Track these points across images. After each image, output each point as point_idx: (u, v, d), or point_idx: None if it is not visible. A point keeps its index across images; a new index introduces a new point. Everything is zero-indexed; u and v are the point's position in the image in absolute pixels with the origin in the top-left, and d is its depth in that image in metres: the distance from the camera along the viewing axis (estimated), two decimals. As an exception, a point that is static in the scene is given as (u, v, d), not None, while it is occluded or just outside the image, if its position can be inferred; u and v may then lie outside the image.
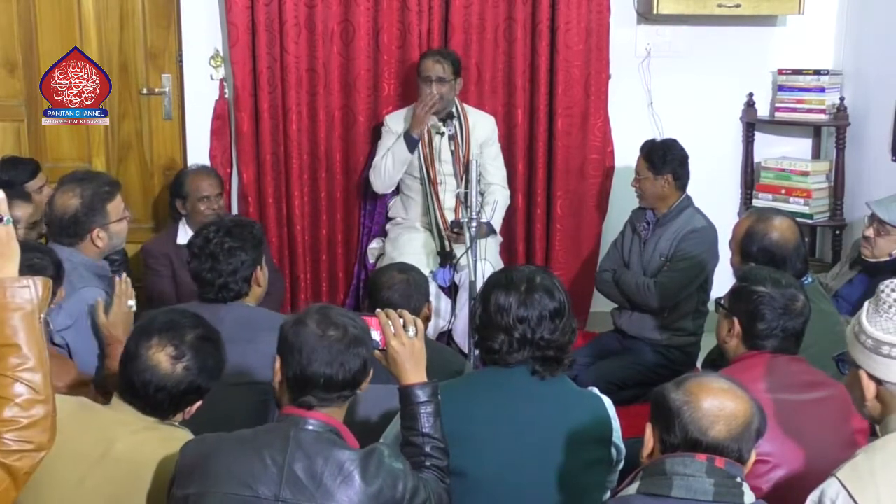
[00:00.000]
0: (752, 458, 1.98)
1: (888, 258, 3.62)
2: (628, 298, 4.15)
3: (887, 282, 2.00)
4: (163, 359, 2.21)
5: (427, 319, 3.05)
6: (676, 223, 4.06)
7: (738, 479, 1.91)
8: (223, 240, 2.93)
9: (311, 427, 2.03)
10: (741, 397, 1.96)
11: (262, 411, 2.68)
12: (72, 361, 2.86)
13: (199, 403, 2.30)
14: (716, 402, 1.93)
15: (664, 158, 4.05)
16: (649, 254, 4.12)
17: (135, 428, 2.21)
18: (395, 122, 4.51)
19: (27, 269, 2.80)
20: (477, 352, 2.87)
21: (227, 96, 4.70)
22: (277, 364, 2.11)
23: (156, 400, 2.22)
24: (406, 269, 3.09)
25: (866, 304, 2.04)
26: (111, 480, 2.15)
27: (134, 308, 3.11)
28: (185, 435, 2.23)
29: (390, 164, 4.41)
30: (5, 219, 1.79)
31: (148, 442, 2.19)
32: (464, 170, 4.23)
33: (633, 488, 1.95)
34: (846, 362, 2.10)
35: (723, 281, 3.94)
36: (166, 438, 2.18)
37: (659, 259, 4.08)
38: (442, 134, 4.41)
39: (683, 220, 4.06)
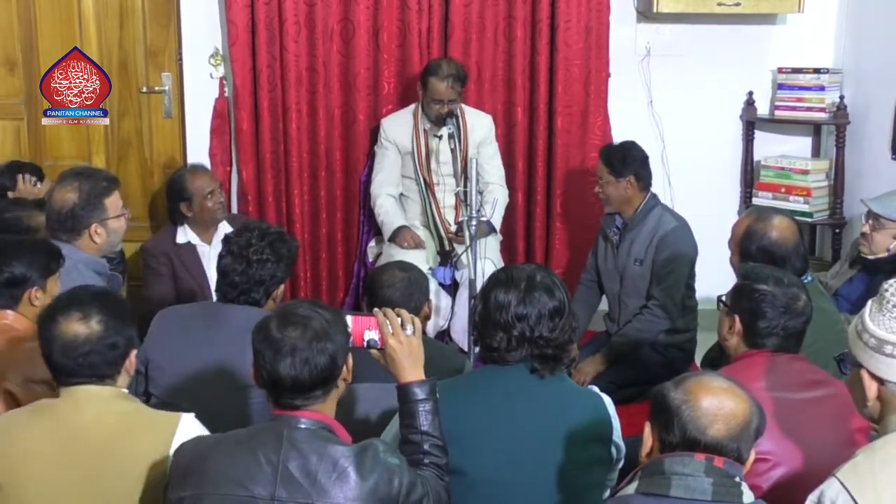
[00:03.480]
0: (752, 457, 1.97)
1: (886, 254, 3.62)
2: (644, 340, 4.06)
3: (891, 281, 2.00)
4: (76, 326, 2.25)
5: (427, 318, 3.06)
6: (647, 226, 4.05)
7: (737, 479, 1.90)
8: (263, 249, 2.96)
9: (303, 425, 2.03)
10: (740, 396, 1.95)
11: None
12: None
13: (134, 352, 2.34)
14: (715, 402, 1.92)
15: (624, 161, 4.03)
16: (623, 259, 4.10)
17: (89, 398, 2.26)
18: (392, 127, 4.52)
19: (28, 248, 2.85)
20: (477, 350, 2.87)
21: (226, 95, 4.71)
22: (253, 370, 2.11)
23: (92, 363, 2.26)
24: (407, 267, 3.09)
25: (869, 302, 2.03)
26: (83, 458, 2.18)
27: None
28: (138, 406, 2.32)
29: (380, 220, 4.52)
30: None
31: (110, 406, 2.25)
32: (462, 169, 4.23)
33: (631, 488, 1.95)
34: (847, 362, 2.09)
35: (720, 278, 3.93)
36: (123, 413, 2.25)
37: (633, 264, 4.06)
38: (440, 137, 4.42)
39: (653, 222, 4.04)
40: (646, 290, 4.06)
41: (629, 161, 4.03)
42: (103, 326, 2.27)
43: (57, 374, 2.30)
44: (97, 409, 2.25)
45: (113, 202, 3.36)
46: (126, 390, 2.36)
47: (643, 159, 4.08)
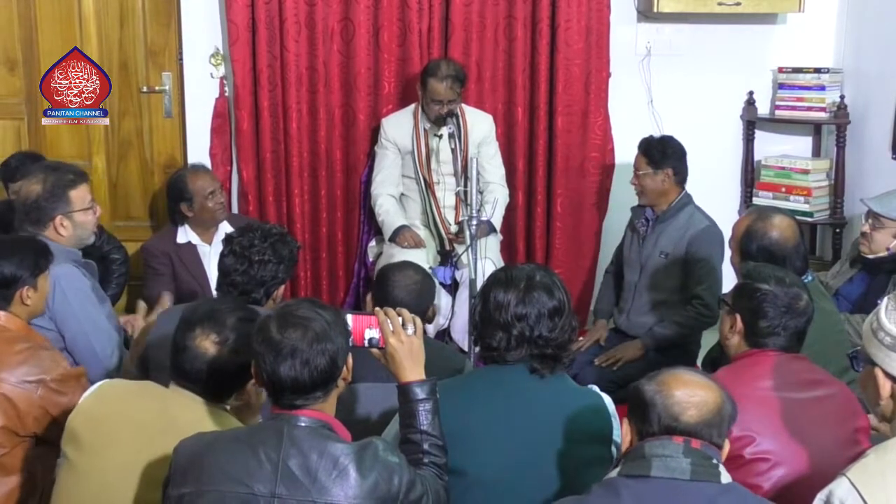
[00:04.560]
0: (727, 446, 2.01)
1: (886, 253, 3.62)
2: (685, 337, 4.07)
3: None
4: (209, 345, 2.31)
5: (429, 321, 3.06)
6: (678, 221, 4.04)
7: (715, 461, 1.94)
8: (265, 250, 2.97)
9: (303, 423, 2.04)
10: (711, 387, 2.01)
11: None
12: (61, 354, 2.88)
13: (252, 382, 2.35)
14: (687, 391, 1.97)
15: (664, 153, 4.04)
16: (648, 250, 4.10)
17: (194, 408, 2.31)
18: (392, 126, 4.52)
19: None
20: (477, 349, 2.87)
21: (227, 94, 4.71)
22: (253, 370, 2.12)
23: (209, 384, 2.32)
24: (420, 270, 3.09)
25: (885, 300, 2.01)
26: (169, 447, 2.21)
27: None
28: (236, 422, 2.33)
29: (381, 220, 4.52)
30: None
31: (206, 421, 2.27)
32: (463, 169, 4.23)
33: (615, 472, 2.00)
34: (860, 360, 2.08)
35: (723, 279, 3.94)
36: (223, 425, 2.27)
37: (659, 256, 4.06)
38: (440, 137, 4.42)
39: (685, 219, 4.04)
40: (664, 285, 4.07)
41: (668, 153, 4.03)
42: (233, 356, 2.31)
43: (174, 369, 2.36)
44: (200, 412, 2.31)
45: (79, 195, 3.37)
46: (228, 407, 2.39)
47: (682, 153, 4.08)
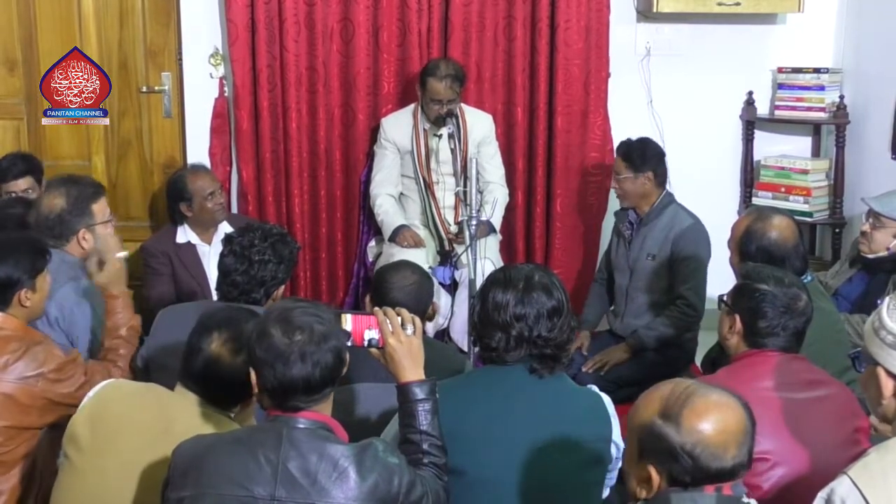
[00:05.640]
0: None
1: (886, 253, 3.62)
2: (674, 337, 4.04)
3: None
4: (224, 352, 2.31)
5: (430, 319, 3.06)
6: (661, 221, 4.06)
7: (744, 499, 1.83)
8: (265, 250, 2.98)
9: (302, 425, 2.03)
10: (729, 404, 1.82)
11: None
12: (53, 344, 2.88)
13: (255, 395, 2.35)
14: (717, 426, 1.77)
15: (643, 156, 4.05)
16: (635, 253, 4.11)
17: (194, 412, 2.30)
18: (391, 126, 4.52)
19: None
20: (476, 349, 2.87)
21: (226, 94, 4.71)
22: (253, 378, 2.09)
23: (217, 389, 2.32)
24: (416, 269, 3.09)
25: (887, 299, 2.01)
26: (168, 449, 2.20)
27: (126, 256, 3.14)
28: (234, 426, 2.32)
29: (380, 220, 4.52)
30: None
31: (205, 426, 2.26)
32: (462, 169, 4.23)
33: None
34: (862, 359, 2.08)
35: (719, 278, 3.93)
36: (218, 425, 2.27)
37: (646, 259, 4.07)
38: (440, 136, 4.42)
39: (668, 219, 4.05)
40: (655, 286, 4.08)
41: (648, 156, 4.05)
42: (245, 364, 2.26)
43: (184, 370, 2.35)
44: (202, 416, 2.30)
45: (100, 208, 3.37)
46: (232, 415, 2.38)
47: (661, 155, 4.11)
